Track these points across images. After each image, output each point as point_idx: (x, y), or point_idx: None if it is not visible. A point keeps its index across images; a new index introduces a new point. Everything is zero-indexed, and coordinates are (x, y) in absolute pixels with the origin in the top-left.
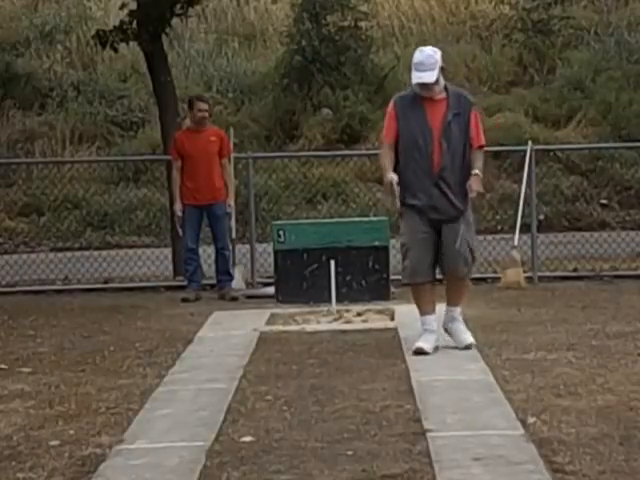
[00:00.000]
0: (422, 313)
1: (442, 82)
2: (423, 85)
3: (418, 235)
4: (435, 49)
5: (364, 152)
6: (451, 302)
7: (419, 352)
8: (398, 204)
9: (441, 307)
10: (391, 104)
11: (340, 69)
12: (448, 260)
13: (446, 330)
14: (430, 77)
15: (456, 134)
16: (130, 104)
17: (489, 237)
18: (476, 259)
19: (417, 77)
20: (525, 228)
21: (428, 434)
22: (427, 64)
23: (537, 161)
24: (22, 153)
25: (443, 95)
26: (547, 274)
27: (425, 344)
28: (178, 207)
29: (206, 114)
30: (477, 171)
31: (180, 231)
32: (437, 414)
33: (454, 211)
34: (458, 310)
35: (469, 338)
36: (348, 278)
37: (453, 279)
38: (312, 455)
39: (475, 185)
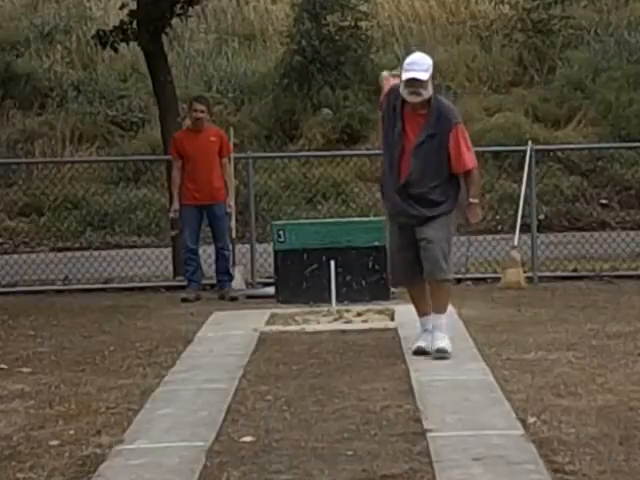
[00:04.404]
0: (420, 314)
1: (430, 93)
2: (413, 86)
3: (395, 241)
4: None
5: (364, 152)
6: (433, 308)
7: (419, 352)
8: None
9: None
10: (383, 96)
11: (340, 69)
12: (423, 262)
13: None
14: (422, 75)
15: (427, 155)
16: (130, 104)
17: (489, 237)
18: (450, 262)
19: (408, 74)
20: (525, 228)
21: (428, 434)
22: (420, 64)
23: (537, 161)
24: (22, 153)
25: (424, 111)
26: (547, 274)
27: (425, 344)
28: (173, 208)
29: (202, 115)
30: (472, 200)
31: (171, 231)
32: (437, 414)
33: (419, 218)
34: (441, 319)
35: (440, 343)
36: (348, 278)
37: (430, 282)
38: (312, 455)
39: (472, 217)
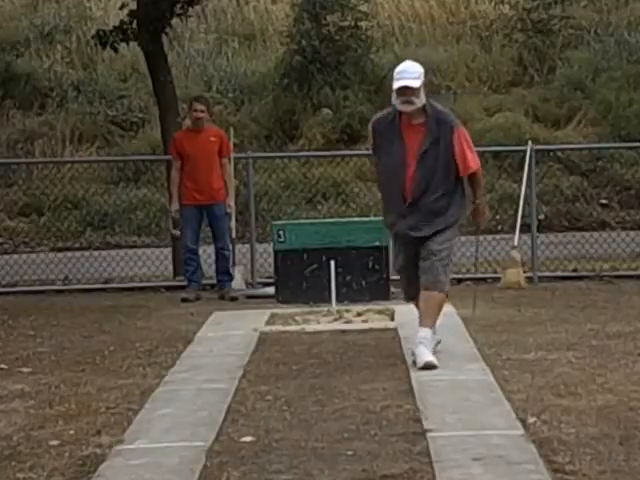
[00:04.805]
0: None
1: (423, 101)
2: (404, 94)
3: (401, 259)
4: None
5: (364, 152)
6: (421, 321)
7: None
8: None
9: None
10: (369, 129)
11: (340, 69)
12: (422, 273)
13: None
14: (413, 83)
15: (433, 163)
16: (130, 104)
17: (489, 237)
18: (448, 276)
19: (399, 83)
20: (525, 228)
21: (428, 434)
22: (410, 72)
23: (537, 161)
24: (22, 153)
25: (422, 120)
26: (547, 274)
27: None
28: (173, 207)
29: (201, 115)
30: (478, 202)
31: (173, 232)
32: (437, 414)
33: (422, 238)
34: (427, 333)
35: (426, 357)
36: (348, 278)
37: (424, 292)
38: (312, 455)
39: (480, 218)
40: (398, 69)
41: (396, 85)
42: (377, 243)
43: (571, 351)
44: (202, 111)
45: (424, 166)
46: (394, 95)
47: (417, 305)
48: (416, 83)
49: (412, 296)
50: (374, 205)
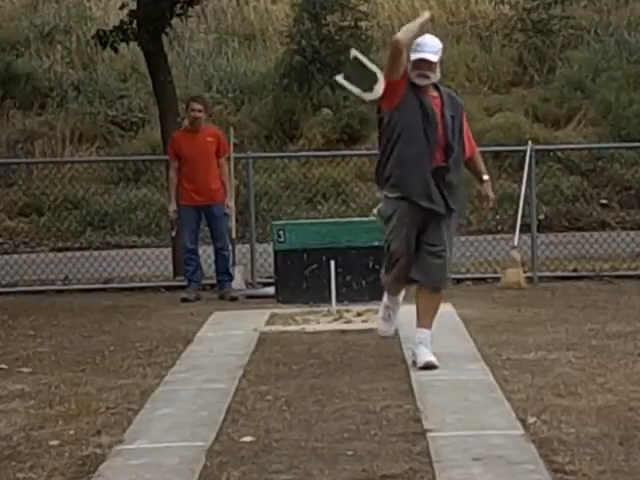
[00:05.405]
0: (396, 294)
1: (438, 77)
2: (421, 68)
3: (408, 243)
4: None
5: (364, 152)
6: (421, 323)
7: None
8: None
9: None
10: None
11: (340, 69)
12: (429, 269)
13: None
14: (432, 57)
15: (452, 134)
16: (130, 104)
17: (489, 237)
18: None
19: (418, 55)
20: (525, 228)
21: (428, 434)
22: (430, 45)
23: (537, 161)
24: (22, 153)
25: (436, 93)
26: (547, 274)
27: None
28: (171, 208)
29: (199, 114)
30: (487, 177)
31: (172, 232)
32: (437, 414)
33: (445, 207)
34: (427, 334)
35: (427, 357)
36: (348, 278)
37: (430, 291)
38: (312, 455)
39: (490, 192)
40: (419, 41)
41: (414, 57)
42: (377, 243)
43: (571, 351)
44: (200, 110)
45: (451, 136)
46: (410, 66)
47: (395, 294)
48: (434, 58)
49: (400, 288)
50: (374, 205)
